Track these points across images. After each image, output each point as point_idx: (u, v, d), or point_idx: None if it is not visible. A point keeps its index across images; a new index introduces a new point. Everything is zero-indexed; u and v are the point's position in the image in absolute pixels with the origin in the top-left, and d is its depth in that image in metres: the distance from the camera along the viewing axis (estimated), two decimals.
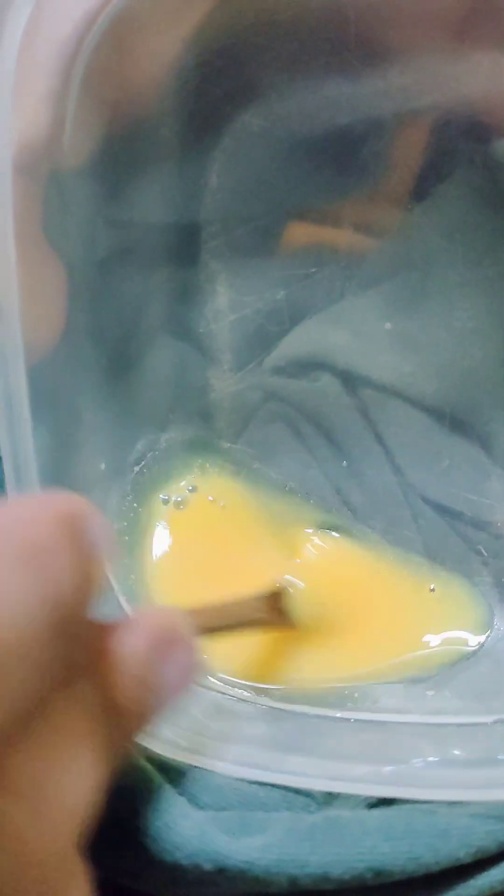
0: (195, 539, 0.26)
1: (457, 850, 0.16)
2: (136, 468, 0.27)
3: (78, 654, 0.13)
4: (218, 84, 0.24)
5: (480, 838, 0.16)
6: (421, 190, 0.25)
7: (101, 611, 0.14)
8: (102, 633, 0.14)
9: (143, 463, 0.27)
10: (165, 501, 0.26)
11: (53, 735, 0.13)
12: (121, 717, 0.14)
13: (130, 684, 0.14)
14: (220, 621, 0.21)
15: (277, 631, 0.23)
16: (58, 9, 0.20)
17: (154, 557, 0.25)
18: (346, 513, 0.26)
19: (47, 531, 0.13)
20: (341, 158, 0.25)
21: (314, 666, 0.23)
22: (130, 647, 0.14)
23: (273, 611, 0.23)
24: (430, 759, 0.19)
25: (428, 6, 0.22)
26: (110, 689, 0.14)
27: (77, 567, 0.13)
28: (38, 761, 0.13)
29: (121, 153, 0.23)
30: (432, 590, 0.25)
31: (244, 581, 0.25)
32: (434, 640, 0.24)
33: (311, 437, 0.27)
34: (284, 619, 0.23)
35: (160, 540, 0.26)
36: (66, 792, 0.13)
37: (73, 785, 0.13)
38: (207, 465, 0.27)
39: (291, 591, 0.24)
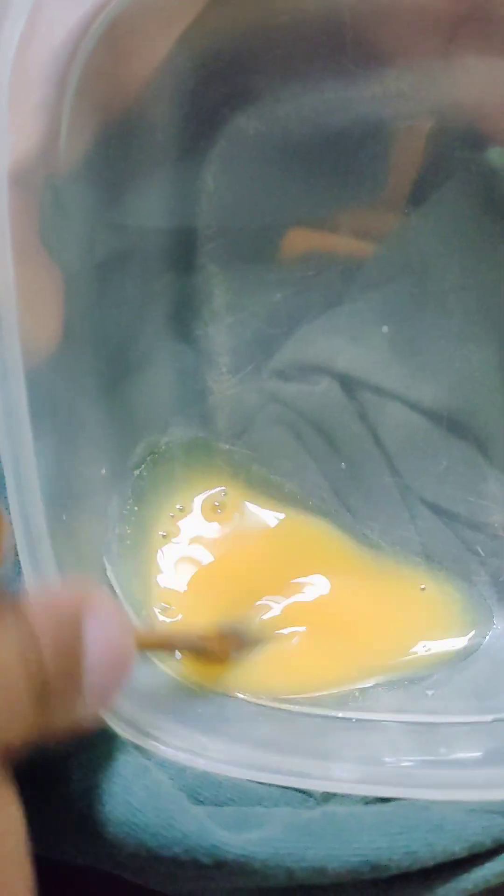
0: (196, 542, 0.26)
1: (452, 844, 0.17)
2: (137, 472, 0.27)
3: None
4: (214, 87, 0.24)
5: (475, 833, 0.17)
6: (418, 195, 0.25)
7: None
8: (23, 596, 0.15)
9: (143, 467, 0.27)
10: (166, 505, 0.27)
11: None
12: (51, 678, 0.14)
13: (57, 638, 0.14)
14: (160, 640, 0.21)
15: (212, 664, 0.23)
16: (52, 17, 0.20)
17: (157, 561, 0.26)
18: (345, 514, 0.27)
19: None
20: (338, 162, 0.25)
21: (314, 669, 0.23)
22: (56, 603, 0.15)
23: (219, 647, 0.23)
24: (430, 758, 0.19)
25: (420, 10, 0.22)
26: (38, 638, 0.14)
27: None
28: None
29: (117, 158, 0.24)
30: (423, 588, 0.25)
31: (245, 583, 0.25)
32: (433, 639, 0.24)
33: (310, 440, 0.27)
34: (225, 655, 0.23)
35: (162, 544, 0.26)
36: None
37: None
38: (207, 467, 0.27)
39: (242, 632, 0.24)
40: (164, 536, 0.26)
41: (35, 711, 0.14)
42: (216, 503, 0.27)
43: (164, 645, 0.22)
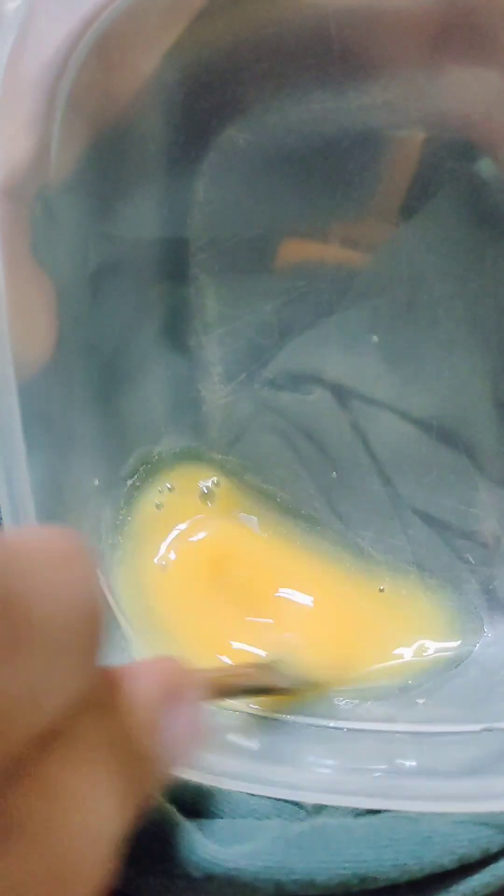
0: (189, 552, 0.26)
1: (440, 857, 0.17)
2: (130, 482, 0.27)
3: (81, 691, 0.13)
4: (203, 98, 0.24)
5: (463, 845, 0.17)
6: (408, 206, 0.25)
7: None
8: (111, 676, 0.14)
9: (136, 476, 0.27)
10: (159, 513, 0.27)
11: (66, 775, 0.12)
12: (135, 763, 0.14)
13: (143, 728, 0.14)
14: (223, 687, 0.21)
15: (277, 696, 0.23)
16: (43, 31, 0.20)
17: (149, 572, 0.26)
18: (337, 523, 0.27)
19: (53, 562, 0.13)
20: (328, 173, 0.25)
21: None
22: (143, 691, 0.14)
23: (271, 678, 0.22)
24: (420, 768, 0.19)
25: (407, 21, 0.22)
26: (123, 733, 0.14)
27: (82, 595, 0.13)
28: (49, 801, 0.12)
29: (108, 169, 0.24)
30: (381, 590, 0.25)
31: (238, 593, 0.25)
32: (423, 648, 0.24)
33: (302, 449, 0.27)
34: (282, 685, 0.23)
35: (155, 554, 0.26)
36: (84, 836, 0.12)
37: (89, 830, 0.12)
38: (199, 477, 0.27)
39: (287, 659, 0.23)
40: (156, 547, 0.26)
41: (123, 801, 0.13)
42: (208, 513, 0.27)
43: (225, 694, 0.21)
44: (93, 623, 0.13)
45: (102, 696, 0.14)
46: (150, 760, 0.14)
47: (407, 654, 0.24)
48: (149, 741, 0.14)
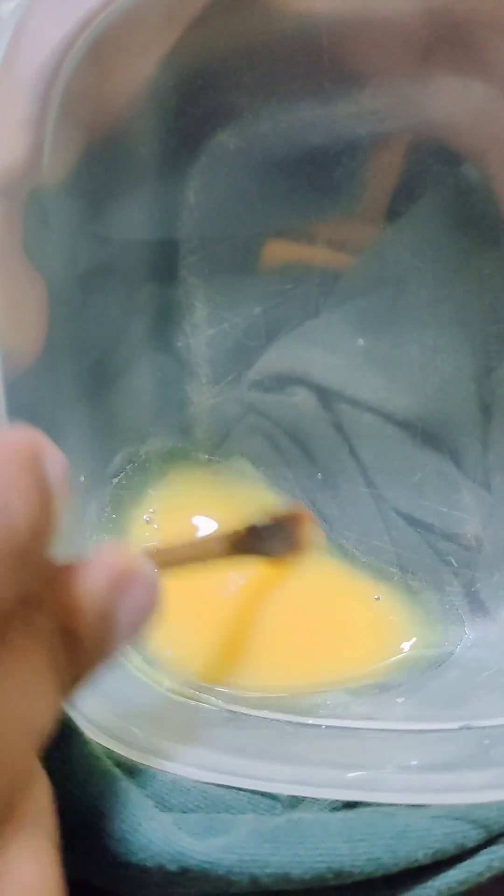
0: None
1: (415, 851, 0.17)
2: (115, 480, 0.27)
3: (36, 588, 0.14)
4: (195, 104, 0.24)
5: (438, 840, 0.17)
6: (394, 210, 0.26)
7: None
8: (63, 570, 0.15)
9: (121, 475, 0.27)
10: (143, 514, 0.27)
11: (12, 660, 0.14)
12: (80, 649, 0.15)
13: (90, 618, 0.15)
14: (178, 558, 0.21)
15: (233, 568, 0.23)
16: (37, 35, 0.20)
17: None
18: (321, 524, 0.27)
19: (2, 463, 0.13)
20: (316, 178, 0.25)
21: (284, 675, 0.24)
22: (91, 583, 0.15)
23: (233, 548, 0.23)
24: (397, 763, 0.19)
25: (394, 32, 0.23)
26: (70, 622, 0.15)
27: (33, 500, 0.13)
28: None
29: (100, 172, 0.24)
30: (377, 598, 0.25)
31: (221, 590, 0.26)
32: (404, 648, 0.24)
33: (287, 451, 0.27)
34: (243, 555, 0.23)
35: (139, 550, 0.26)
36: (24, 710, 0.14)
37: (30, 705, 0.14)
38: (185, 477, 0.27)
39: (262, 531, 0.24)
40: (140, 545, 0.26)
41: (61, 692, 0.15)
42: (193, 513, 0.27)
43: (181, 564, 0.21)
44: (42, 518, 0.14)
45: (54, 587, 0.15)
46: (96, 645, 0.15)
47: (388, 654, 0.24)
48: (94, 627, 0.15)
